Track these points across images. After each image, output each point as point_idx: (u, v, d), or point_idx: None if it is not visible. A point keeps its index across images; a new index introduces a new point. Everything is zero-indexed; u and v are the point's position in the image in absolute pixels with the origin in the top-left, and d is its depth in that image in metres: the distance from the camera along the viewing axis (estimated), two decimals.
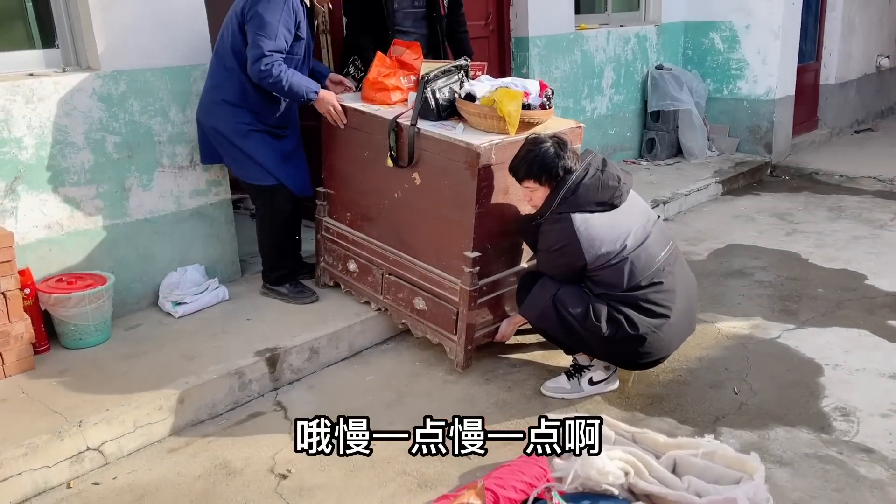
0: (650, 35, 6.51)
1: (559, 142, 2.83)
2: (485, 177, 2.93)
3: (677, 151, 6.64)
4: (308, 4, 3.44)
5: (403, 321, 3.41)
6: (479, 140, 2.93)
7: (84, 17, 3.29)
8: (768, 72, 6.51)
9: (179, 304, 3.53)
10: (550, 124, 3.21)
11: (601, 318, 2.74)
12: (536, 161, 2.79)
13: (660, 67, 6.56)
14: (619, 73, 6.27)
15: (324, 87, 3.52)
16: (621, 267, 2.73)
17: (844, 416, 2.76)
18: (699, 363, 3.17)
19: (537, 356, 3.33)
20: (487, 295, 3.16)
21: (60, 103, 3.21)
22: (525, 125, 3.02)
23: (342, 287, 3.71)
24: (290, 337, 3.27)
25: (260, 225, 3.69)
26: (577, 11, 5.85)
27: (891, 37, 8.36)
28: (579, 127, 3.30)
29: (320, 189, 3.67)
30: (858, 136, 7.81)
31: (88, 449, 2.60)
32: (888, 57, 8.31)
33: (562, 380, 3.02)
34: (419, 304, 3.27)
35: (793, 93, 6.77)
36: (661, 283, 2.78)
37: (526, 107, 3.01)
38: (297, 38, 3.35)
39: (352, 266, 3.58)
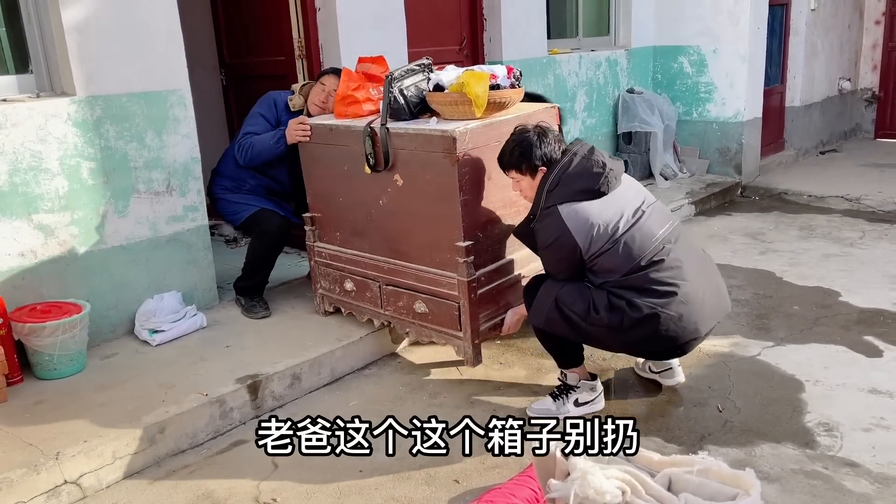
0: (621, 59, 6.62)
1: (541, 130, 2.81)
2: (465, 163, 2.90)
3: (649, 173, 6.74)
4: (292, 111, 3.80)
5: (407, 330, 3.38)
6: (454, 126, 2.91)
7: (59, 43, 3.25)
8: (736, 95, 6.66)
9: (157, 331, 3.46)
10: (524, 107, 3.22)
11: (601, 309, 2.67)
12: (516, 149, 2.80)
13: (631, 91, 6.67)
14: (591, 97, 6.36)
15: None
16: (615, 251, 2.66)
17: (828, 431, 2.79)
18: (682, 382, 3.18)
19: (521, 377, 3.32)
20: (487, 285, 3.12)
21: (34, 129, 3.15)
22: (496, 105, 3.01)
23: (343, 311, 3.66)
24: (271, 363, 3.22)
25: (251, 242, 3.92)
26: (549, 36, 5.94)
27: (851, 61, 8.62)
28: (553, 107, 3.29)
29: (307, 215, 3.64)
30: (824, 157, 8.00)
31: (66, 482, 2.52)
32: (849, 80, 8.56)
33: (547, 401, 3.01)
34: (420, 307, 3.23)
35: (760, 115, 6.93)
36: (661, 260, 2.67)
37: (495, 87, 3.00)
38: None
39: (348, 285, 3.54)
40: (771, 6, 6.83)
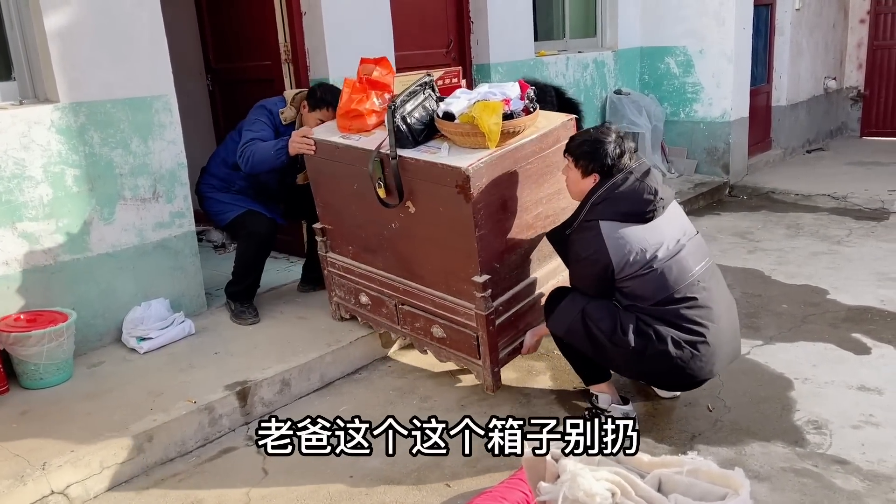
0: (608, 61, 6.64)
1: (620, 140, 2.71)
2: (479, 199, 2.77)
3: None
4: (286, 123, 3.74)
5: (426, 349, 3.30)
6: (467, 160, 2.76)
7: (42, 50, 3.23)
8: (722, 95, 6.69)
9: (144, 339, 3.43)
10: (541, 124, 3.09)
11: (629, 331, 2.60)
12: (587, 143, 2.71)
13: (618, 92, 6.69)
14: (579, 98, 6.36)
15: None
16: (651, 277, 2.58)
17: (817, 429, 2.79)
18: (678, 396, 3.16)
19: (512, 379, 3.32)
20: (505, 314, 3.03)
21: (17, 136, 3.12)
22: (510, 135, 2.88)
23: (359, 319, 3.60)
24: (261, 370, 3.20)
25: (239, 245, 3.89)
26: (536, 38, 5.95)
27: (836, 59, 8.68)
28: (571, 120, 3.15)
29: (317, 225, 3.59)
30: (810, 156, 8.05)
31: (53, 493, 2.49)
32: (834, 79, 8.62)
33: None
34: (437, 332, 3.16)
35: (747, 115, 6.96)
36: (695, 298, 2.61)
37: (508, 116, 2.85)
38: None
39: (363, 299, 3.46)
40: (756, 6, 6.87)
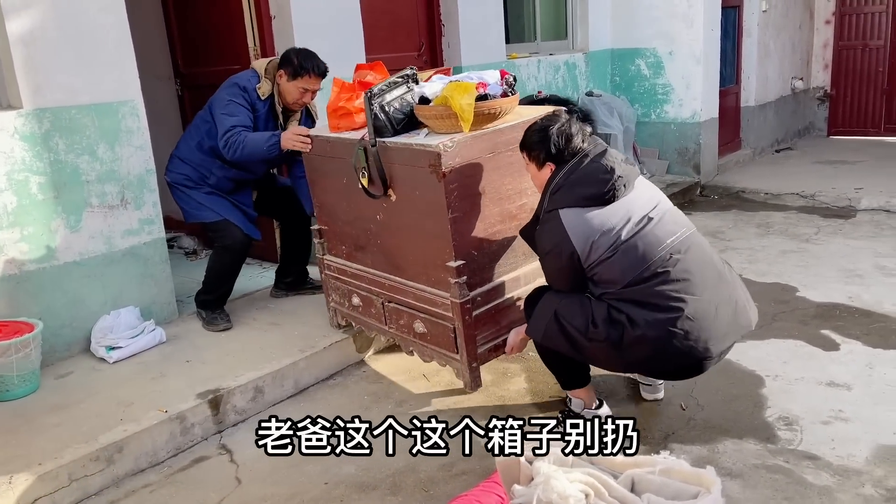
0: (579, 63, 6.68)
1: (569, 125, 2.61)
2: (453, 178, 2.72)
3: None
4: (262, 98, 3.57)
5: (411, 349, 3.26)
6: (439, 140, 2.73)
7: (4, 55, 3.17)
8: (692, 96, 6.76)
9: (113, 348, 3.38)
10: (524, 112, 3.03)
11: (599, 323, 2.49)
12: (536, 135, 2.63)
13: (590, 94, 6.73)
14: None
15: None
16: (616, 259, 2.47)
17: (788, 425, 2.83)
18: (661, 399, 3.17)
19: (486, 381, 3.31)
20: (484, 305, 2.95)
21: None
22: (486, 117, 2.80)
23: (353, 325, 3.57)
24: (233, 377, 3.17)
25: (212, 255, 3.79)
26: (508, 40, 5.96)
27: (802, 60, 8.83)
28: (558, 111, 3.01)
29: (315, 227, 3.56)
30: (779, 155, 8.17)
31: None
32: (801, 79, 8.76)
33: None
34: (419, 327, 3.11)
35: (716, 115, 7.05)
36: (666, 272, 2.45)
37: (483, 97, 2.78)
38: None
39: (355, 300, 3.43)
40: (724, 8, 6.96)
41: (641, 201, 2.58)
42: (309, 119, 3.81)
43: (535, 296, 2.79)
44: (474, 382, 3.01)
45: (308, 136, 3.33)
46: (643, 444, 2.74)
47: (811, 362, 3.34)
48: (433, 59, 5.40)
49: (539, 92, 6.20)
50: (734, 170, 7.44)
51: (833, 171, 7.07)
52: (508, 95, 2.89)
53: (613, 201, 2.52)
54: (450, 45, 5.43)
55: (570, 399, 2.88)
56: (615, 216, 2.51)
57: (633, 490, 1.80)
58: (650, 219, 2.52)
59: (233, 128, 3.44)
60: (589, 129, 2.68)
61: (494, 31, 5.67)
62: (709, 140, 6.97)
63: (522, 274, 3.10)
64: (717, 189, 6.83)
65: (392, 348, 3.76)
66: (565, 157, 2.60)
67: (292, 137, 3.35)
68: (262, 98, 3.57)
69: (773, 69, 8.10)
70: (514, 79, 2.98)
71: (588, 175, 2.54)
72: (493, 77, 2.90)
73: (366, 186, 3.02)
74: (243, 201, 3.80)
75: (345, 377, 3.49)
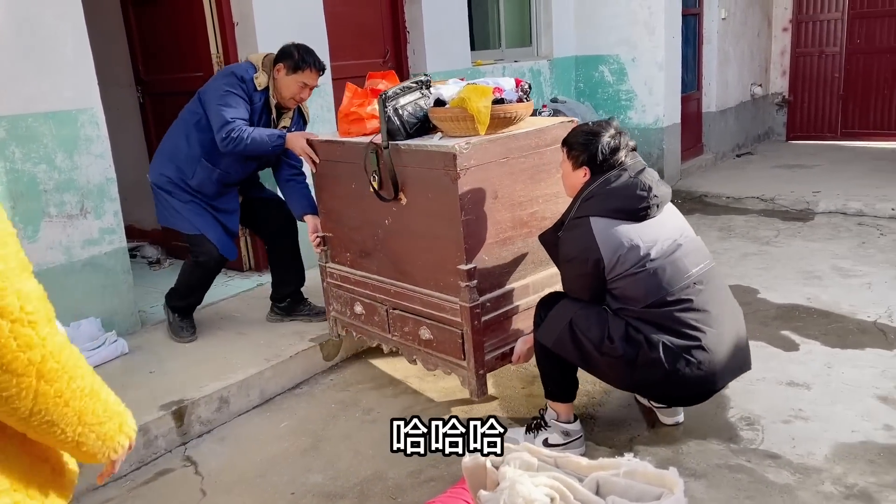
0: (543, 69, 6.74)
1: (618, 138, 2.58)
2: (468, 181, 2.71)
3: None
4: (259, 88, 3.44)
5: (415, 357, 3.18)
6: (455, 142, 2.71)
7: None
8: (655, 101, 6.86)
9: None
10: (537, 121, 3.04)
11: (616, 338, 2.46)
12: (580, 133, 2.61)
13: (555, 100, 6.79)
14: None
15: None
16: (643, 276, 2.44)
17: (749, 425, 2.87)
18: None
19: (454, 388, 3.32)
20: (493, 312, 2.91)
21: None
22: (502, 120, 2.80)
23: (354, 334, 3.51)
24: (198, 388, 3.13)
25: (185, 265, 3.71)
26: (473, 48, 6.00)
27: (761, 67, 9.01)
28: (572, 121, 3.08)
29: (319, 234, 3.49)
30: (740, 160, 8.32)
31: None
32: (760, 85, 8.94)
33: (519, 432, 2.81)
34: (425, 334, 3.04)
35: (679, 121, 7.16)
36: (689, 300, 2.45)
37: (499, 101, 2.78)
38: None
39: (358, 308, 3.38)
40: (684, 16, 7.08)
41: (670, 225, 2.58)
42: (301, 119, 3.70)
43: (551, 300, 2.73)
44: (480, 390, 2.93)
45: (313, 144, 3.28)
46: (609, 447, 2.78)
47: (772, 363, 3.41)
48: (399, 65, 5.40)
49: (544, 106, 6.24)
50: (697, 174, 7.57)
51: (792, 175, 7.23)
52: (523, 101, 2.90)
53: (645, 219, 2.51)
54: (415, 51, 5.44)
55: (545, 408, 2.81)
56: (646, 234, 2.49)
57: (597, 492, 1.82)
58: (679, 245, 2.52)
59: (233, 120, 3.31)
60: (633, 144, 2.66)
61: (459, 38, 5.70)
62: (671, 145, 7.08)
63: (532, 282, 3.06)
64: (680, 193, 6.93)
65: (359, 356, 3.75)
66: (605, 167, 2.57)
67: (303, 146, 3.29)
68: (259, 89, 3.44)
69: (732, 75, 8.26)
70: (530, 86, 2.99)
71: (625, 189, 2.51)
72: (508, 84, 2.90)
73: (377, 189, 2.99)
74: (227, 208, 3.62)
75: (311, 386, 3.47)
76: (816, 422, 2.87)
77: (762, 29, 8.87)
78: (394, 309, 3.18)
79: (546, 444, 2.67)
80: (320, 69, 3.46)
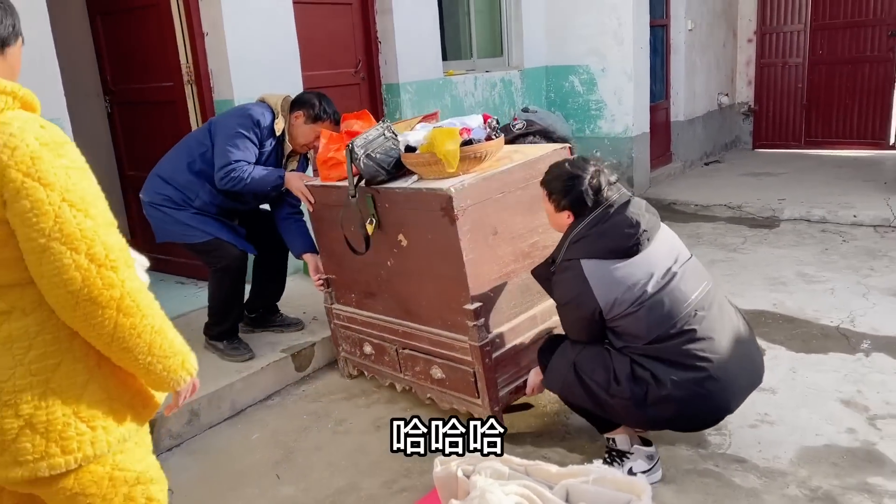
0: (514, 80, 6.80)
1: (598, 178, 2.51)
2: (466, 220, 2.71)
3: None
4: (277, 135, 3.43)
5: (429, 395, 3.15)
6: (450, 182, 2.73)
7: None
8: (624, 111, 6.95)
9: None
10: (531, 151, 3.04)
11: (622, 380, 2.41)
12: (557, 177, 2.55)
13: (525, 110, 6.83)
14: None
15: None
16: (642, 315, 2.39)
17: (717, 430, 2.91)
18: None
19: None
20: (503, 347, 2.89)
21: None
22: (472, 160, 2.82)
23: (366, 374, 3.49)
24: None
25: (211, 281, 3.53)
26: (445, 58, 6.03)
27: (728, 77, 9.18)
28: (564, 148, 3.09)
29: (323, 276, 3.49)
30: (708, 168, 8.46)
31: None
32: (727, 95, 9.11)
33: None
34: (437, 373, 3.03)
35: (648, 130, 7.26)
36: (692, 330, 2.40)
37: (468, 143, 2.80)
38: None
39: (367, 349, 3.37)
40: (652, 27, 7.19)
41: (663, 253, 2.51)
42: (305, 161, 3.69)
43: (550, 345, 2.72)
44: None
45: (310, 188, 3.29)
46: (580, 455, 2.81)
47: None
48: (370, 75, 5.42)
49: (515, 118, 6.27)
50: (666, 182, 7.67)
51: (758, 183, 7.36)
52: (493, 139, 2.90)
53: (637, 254, 2.45)
54: (387, 62, 5.46)
55: (613, 440, 2.68)
56: (639, 270, 2.43)
57: (567, 500, 1.85)
58: (674, 273, 2.46)
59: (237, 162, 3.29)
60: (614, 178, 2.59)
61: (431, 48, 5.74)
62: (641, 154, 7.17)
63: (539, 312, 3.05)
64: (649, 201, 6.87)
65: (331, 366, 3.74)
66: (587, 209, 2.52)
67: (300, 187, 3.29)
68: (277, 135, 3.44)
69: (700, 85, 8.41)
70: (497, 122, 2.99)
71: (613, 227, 2.46)
72: (475, 122, 2.92)
73: (369, 235, 3.00)
74: (235, 228, 3.58)
75: (283, 397, 3.45)
76: (782, 426, 2.93)
77: (728, 40, 9.04)
78: (403, 349, 3.17)
79: (631, 472, 2.55)
80: (338, 122, 3.44)
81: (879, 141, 8.57)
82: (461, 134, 2.79)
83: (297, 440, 3.06)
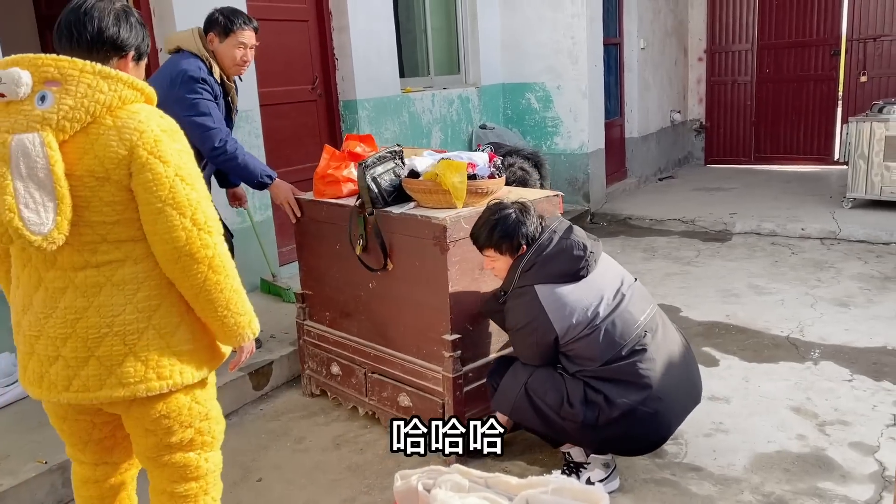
0: (472, 97, 6.87)
1: (522, 207, 2.61)
2: (456, 252, 2.74)
3: None
4: (218, 80, 3.24)
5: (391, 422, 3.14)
6: (445, 213, 2.75)
7: None
8: (580, 128, 7.07)
9: None
10: (523, 193, 3.09)
11: (575, 403, 2.48)
12: (497, 229, 2.57)
13: (483, 127, 6.92)
14: (445, 133, 6.54)
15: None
16: (595, 337, 2.46)
17: (674, 439, 2.95)
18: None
19: None
20: (475, 382, 2.89)
21: None
22: (476, 195, 2.85)
23: (329, 394, 3.46)
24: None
25: None
26: (403, 75, 6.07)
27: (679, 94, 9.41)
28: (557, 196, 3.14)
29: (298, 292, 3.46)
30: (662, 183, 8.64)
31: None
32: (679, 112, 9.34)
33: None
34: (404, 400, 3.03)
35: (603, 146, 7.39)
36: (643, 350, 2.49)
37: (472, 177, 2.84)
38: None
39: (335, 369, 3.34)
40: (605, 45, 7.35)
41: (610, 276, 2.62)
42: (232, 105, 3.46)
43: (499, 367, 2.77)
44: (458, 460, 2.83)
45: (299, 200, 3.28)
46: (541, 467, 2.83)
47: None
48: (328, 92, 5.42)
49: (479, 145, 6.30)
50: (621, 198, 7.81)
51: (710, 198, 7.54)
52: (496, 177, 2.95)
53: (585, 277, 2.54)
54: (344, 79, 5.47)
55: (569, 452, 2.74)
56: (590, 292, 2.52)
57: None
58: (623, 295, 2.56)
59: (222, 141, 3.11)
60: (533, 209, 2.66)
61: (388, 65, 5.76)
62: (596, 170, 7.29)
63: (512, 352, 2.99)
64: (605, 216, 7.14)
65: (290, 384, 3.70)
66: (535, 236, 2.58)
67: (287, 198, 3.26)
68: (219, 81, 3.24)
69: (653, 102, 8.60)
70: (502, 161, 3.02)
71: (561, 252, 2.54)
72: (482, 159, 2.96)
73: (359, 255, 2.99)
74: None
75: (241, 416, 3.41)
76: (736, 434, 3.00)
77: (679, 58, 9.28)
78: (373, 373, 3.16)
79: (589, 482, 2.57)
80: (254, 27, 3.28)
81: (824, 156, 8.87)
82: (468, 168, 2.83)
83: (255, 459, 3.02)
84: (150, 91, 1.77)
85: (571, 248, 2.54)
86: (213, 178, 3.55)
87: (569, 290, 2.51)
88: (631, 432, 2.51)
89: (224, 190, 3.78)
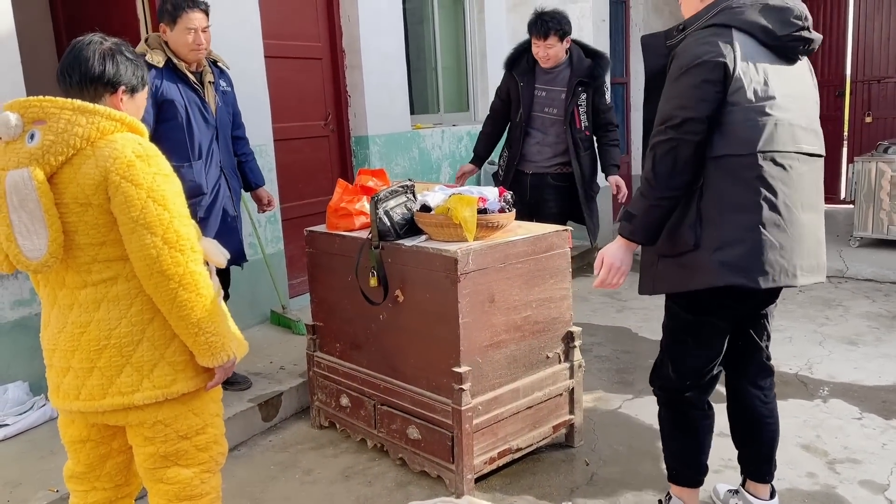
0: None
1: None
2: (467, 284, 2.76)
3: None
4: (184, 71, 3.23)
5: (401, 455, 3.13)
6: (457, 246, 2.78)
7: None
8: None
9: (0, 426, 3.19)
10: (533, 228, 3.13)
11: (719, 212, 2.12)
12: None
13: (493, 163, 6.98)
14: (454, 169, 6.61)
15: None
16: (756, 119, 2.04)
17: None
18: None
19: None
20: (484, 415, 2.88)
21: None
22: (487, 229, 2.88)
23: (337, 426, 3.47)
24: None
25: None
26: (413, 111, 6.17)
27: None
28: (566, 230, 3.14)
29: (309, 323, 3.51)
30: None
31: None
32: None
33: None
34: (413, 433, 3.02)
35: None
36: (788, 175, 2.11)
37: (483, 212, 2.87)
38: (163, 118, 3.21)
39: (344, 401, 3.35)
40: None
41: (809, 85, 2.23)
42: (223, 74, 3.54)
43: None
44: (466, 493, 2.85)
45: (314, 235, 3.36)
46: (549, 501, 2.82)
47: None
48: (340, 128, 5.52)
49: (502, 190, 6.35)
50: None
51: None
52: (506, 211, 2.98)
53: (787, 56, 2.11)
54: (356, 115, 5.57)
55: (669, 496, 2.63)
56: (783, 82, 2.09)
57: None
58: (807, 116, 2.19)
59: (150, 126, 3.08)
60: None
61: (399, 102, 5.87)
62: (604, 207, 7.32)
63: (522, 386, 3.03)
64: None
65: (299, 416, 3.71)
66: None
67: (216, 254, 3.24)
68: (159, 66, 3.20)
69: None
70: (512, 196, 3.07)
71: (775, 9, 2.08)
72: (492, 193, 3.00)
73: (373, 286, 3.02)
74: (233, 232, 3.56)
75: (250, 447, 3.41)
76: None
77: None
78: (382, 405, 3.17)
79: None
80: (201, 8, 3.23)
81: (831, 195, 8.89)
82: (479, 202, 2.88)
83: (263, 491, 3.02)
84: (132, 121, 1.88)
85: (788, 12, 2.07)
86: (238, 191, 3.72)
87: (763, 64, 2.07)
88: (754, 257, 2.13)
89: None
